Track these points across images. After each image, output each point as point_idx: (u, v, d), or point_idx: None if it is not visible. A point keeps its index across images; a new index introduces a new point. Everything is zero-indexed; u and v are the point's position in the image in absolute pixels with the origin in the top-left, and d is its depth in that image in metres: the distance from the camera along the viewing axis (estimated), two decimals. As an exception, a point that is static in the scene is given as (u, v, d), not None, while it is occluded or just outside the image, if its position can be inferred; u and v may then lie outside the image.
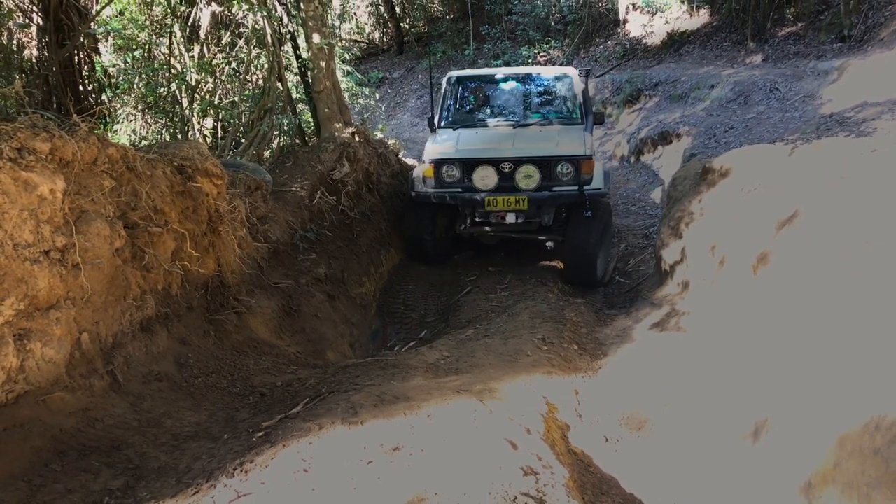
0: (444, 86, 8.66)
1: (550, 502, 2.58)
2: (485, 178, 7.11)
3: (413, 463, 2.71)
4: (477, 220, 7.52)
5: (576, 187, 7.03)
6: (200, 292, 4.15)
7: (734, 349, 3.70)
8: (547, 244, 7.60)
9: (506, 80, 8.75)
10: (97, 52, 6.91)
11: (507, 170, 7.08)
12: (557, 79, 8.63)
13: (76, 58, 5.48)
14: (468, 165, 7.19)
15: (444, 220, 7.98)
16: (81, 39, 5.40)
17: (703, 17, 17.09)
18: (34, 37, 5.61)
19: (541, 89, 8.73)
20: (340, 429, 2.99)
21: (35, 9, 5.28)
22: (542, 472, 2.82)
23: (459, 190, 7.23)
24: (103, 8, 6.01)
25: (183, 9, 7.28)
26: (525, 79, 8.74)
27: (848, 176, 3.62)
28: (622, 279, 7.49)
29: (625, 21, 18.66)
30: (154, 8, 7.16)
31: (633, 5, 18.47)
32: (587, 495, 3.13)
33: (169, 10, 7.25)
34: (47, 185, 2.95)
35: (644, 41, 17.83)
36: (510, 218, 7.20)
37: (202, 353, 3.85)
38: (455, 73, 8.89)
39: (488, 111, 8.64)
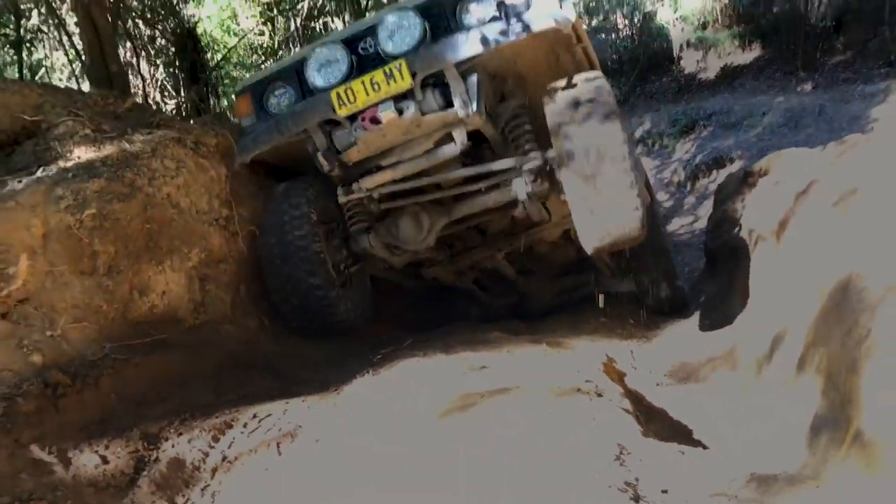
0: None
1: (607, 394, 3.33)
2: (328, 62, 3.90)
3: (499, 375, 3.49)
4: (342, 166, 4.06)
5: (502, 20, 3.71)
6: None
7: (763, 305, 4.37)
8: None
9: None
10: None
11: (368, 49, 3.93)
12: None
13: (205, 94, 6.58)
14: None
15: (339, 238, 4.50)
16: (212, 77, 6.50)
17: (755, 50, 17.72)
18: (171, 77, 6.75)
19: None
20: (440, 355, 3.80)
21: (174, 50, 6.40)
22: (600, 383, 3.58)
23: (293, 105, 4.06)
24: (230, 50, 7.14)
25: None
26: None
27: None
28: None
29: (679, 58, 19.38)
30: (257, 52, 8.28)
31: (687, 42, 19.20)
32: (639, 417, 3.85)
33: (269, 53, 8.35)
34: (215, 170, 3.91)
35: (698, 76, 18.50)
36: (385, 113, 3.72)
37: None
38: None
39: None
